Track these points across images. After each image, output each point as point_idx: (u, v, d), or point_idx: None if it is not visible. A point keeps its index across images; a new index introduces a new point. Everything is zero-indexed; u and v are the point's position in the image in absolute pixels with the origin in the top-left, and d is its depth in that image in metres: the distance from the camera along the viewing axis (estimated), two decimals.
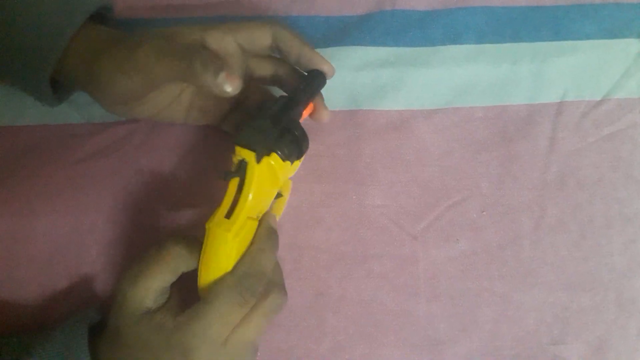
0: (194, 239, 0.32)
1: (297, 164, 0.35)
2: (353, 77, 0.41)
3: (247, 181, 0.31)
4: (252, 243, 0.32)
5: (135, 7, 0.43)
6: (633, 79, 0.43)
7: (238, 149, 0.31)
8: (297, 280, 0.38)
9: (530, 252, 0.40)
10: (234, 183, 0.31)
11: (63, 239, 0.37)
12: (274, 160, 0.32)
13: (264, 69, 0.36)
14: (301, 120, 0.34)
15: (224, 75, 0.29)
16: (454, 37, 0.43)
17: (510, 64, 0.42)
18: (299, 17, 0.43)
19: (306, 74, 0.35)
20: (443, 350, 0.38)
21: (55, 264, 0.37)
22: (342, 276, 0.39)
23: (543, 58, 0.42)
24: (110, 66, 0.31)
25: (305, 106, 0.34)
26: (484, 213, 0.40)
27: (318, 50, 0.40)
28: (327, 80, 0.35)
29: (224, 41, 0.33)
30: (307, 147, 0.34)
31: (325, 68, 0.35)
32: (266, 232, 0.33)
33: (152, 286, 0.31)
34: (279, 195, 0.36)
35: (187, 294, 0.33)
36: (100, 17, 0.36)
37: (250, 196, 0.31)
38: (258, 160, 0.31)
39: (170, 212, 0.38)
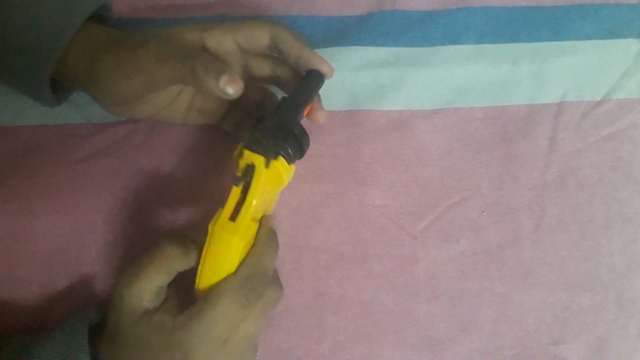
0: (189, 238, 0.32)
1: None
2: (353, 77, 0.41)
3: (254, 185, 0.31)
4: (253, 245, 0.32)
5: (136, 7, 0.43)
6: (633, 79, 0.43)
7: (247, 153, 0.31)
8: (297, 280, 0.38)
9: (530, 252, 0.40)
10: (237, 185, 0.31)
11: (63, 239, 0.37)
12: (280, 163, 0.32)
13: (263, 69, 0.36)
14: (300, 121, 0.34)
15: (225, 79, 0.29)
16: (454, 37, 0.43)
17: (510, 64, 0.42)
18: (299, 16, 0.43)
19: (304, 73, 0.35)
20: (443, 350, 0.38)
21: (55, 264, 0.37)
22: (342, 276, 0.39)
23: (543, 58, 0.42)
24: (111, 67, 0.31)
25: (305, 107, 0.34)
26: (484, 213, 0.40)
27: (318, 50, 0.40)
28: (327, 80, 0.35)
29: (223, 40, 0.34)
30: (307, 146, 0.34)
31: (324, 69, 0.35)
32: (267, 233, 0.33)
33: (148, 287, 0.31)
34: None
35: (185, 293, 0.32)
36: (99, 17, 0.36)
37: (255, 201, 0.31)
38: (267, 165, 0.31)
39: (170, 212, 0.38)
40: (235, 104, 0.38)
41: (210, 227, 0.31)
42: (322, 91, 0.36)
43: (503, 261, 0.39)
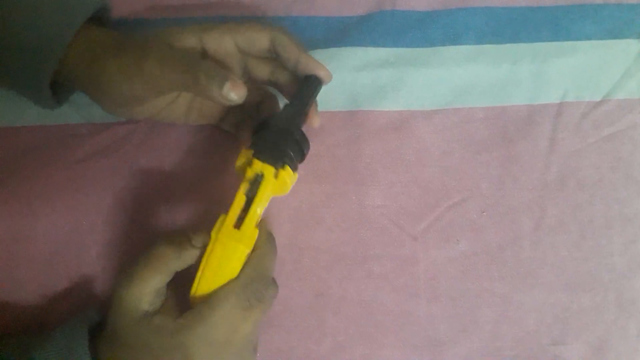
0: (185, 236, 0.32)
1: None
2: (353, 78, 0.41)
3: (260, 195, 0.31)
4: (254, 249, 0.32)
5: (136, 7, 0.43)
6: (633, 79, 0.43)
7: (257, 162, 0.32)
8: (297, 280, 0.38)
9: (531, 253, 0.40)
10: (241, 191, 0.32)
11: (63, 240, 0.37)
12: (287, 173, 0.33)
13: (262, 71, 0.36)
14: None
15: (229, 85, 0.30)
16: (454, 38, 0.43)
17: (510, 64, 0.42)
18: (299, 17, 0.43)
19: (302, 77, 0.35)
20: (443, 350, 0.38)
21: (55, 264, 0.37)
22: (342, 277, 0.39)
23: (543, 58, 0.42)
24: (114, 71, 0.31)
25: (306, 113, 0.35)
26: (484, 213, 0.40)
27: (318, 50, 0.41)
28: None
29: (222, 42, 0.34)
30: (308, 151, 0.35)
31: (322, 74, 0.35)
32: (266, 237, 0.34)
33: (146, 289, 0.31)
34: None
35: (184, 294, 0.32)
36: (98, 18, 0.36)
37: (259, 209, 0.32)
38: (276, 176, 0.32)
39: (170, 212, 0.38)
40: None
41: (214, 234, 0.31)
42: (322, 91, 0.36)
43: (503, 262, 0.39)
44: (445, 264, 0.39)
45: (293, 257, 0.39)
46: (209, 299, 0.31)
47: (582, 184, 0.41)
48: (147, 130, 0.40)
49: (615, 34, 0.43)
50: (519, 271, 0.39)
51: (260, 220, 0.34)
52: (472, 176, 0.41)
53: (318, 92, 0.35)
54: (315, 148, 0.37)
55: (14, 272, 0.36)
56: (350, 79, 0.41)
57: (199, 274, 0.31)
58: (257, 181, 0.32)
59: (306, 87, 0.35)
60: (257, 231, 0.32)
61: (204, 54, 0.34)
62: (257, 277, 0.32)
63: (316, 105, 0.36)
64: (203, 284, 0.31)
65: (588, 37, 0.43)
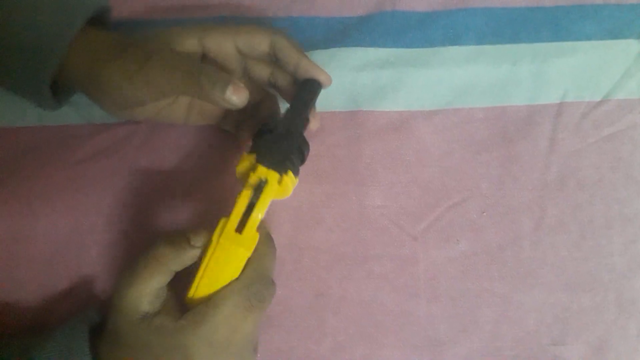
0: (183, 236, 0.32)
1: None
2: (353, 78, 0.41)
3: (262, 200, 0.31)
4: (254, 250, 0.32)
5: (136, 8, 0.43)
6: (633, 79, 0.43)
7: (261, 168, 0.32)
8: (297, 280, 0.38)
9: (531, 253, 0.40)
10: (244, 196, 0.31)
11: (63, 240, 0.37)
12: (290, 178, 0.33)
13: (261, 73, 0.36)
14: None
15: (231, 89, 0.30)
16: (454, 38, 0.43)
17: (510, 64, 0.42)
18: (299, 17, 0.43)
19: (301, 80, 0.35)
20: (443, 351, 0.38)
21: (55, 265, 0.37)
22: (342, 277, 0.39)
23: (543, 59, 0.42)
24: (116, 75, 0.31)
25: (307, 117, 0.35)
26: (484, 214, 0.40)
27: (318, 51, 0.41)
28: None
29: (223, 43, 0.34)
30: (308, 153, 0.35)
31: (322, 78, 0.35)
32: (265, 238, 0.34)
33: (146, 290, 0.31)
34: None
35: (184, 294, 0.32)
36: (98, 18, 0.36)
37: (261, 214, 0.32)
38: (279, 182, 0.32)
39: (171, 212, 0.38)
40: None
41: (215, 237, 0.31)
42: (322, 92, 0.36)
43: (503, 262, 0.39)
44: (445, 264, 0.39)
45: (293, 257, 0.39)
46: (210, 299, 0.31)
47: (582, 184, 0.41)
48: (147, 131, 0.40)
49: (615, 34, 0.43)
50: (519, 271, 0.39)
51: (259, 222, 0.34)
52: (472, 176, 0.41)
53: (318, 95, 0.36)
54: (315, 148, 0.37)
55: (14, 272, 0.36)
56: (350, 79, 0.41)
57: (198, 275, 0.31)
58: (260, 186, 0.32)
59: (306, 91, 0.35)
60: (257, 235, 0.32)
61: (204, 55, 0.34)
62: (258, 278, 0.32)
63: (315, 108, 0.36)
64: (202, 286, 0.31)
65: (588, 37, 0.43)
